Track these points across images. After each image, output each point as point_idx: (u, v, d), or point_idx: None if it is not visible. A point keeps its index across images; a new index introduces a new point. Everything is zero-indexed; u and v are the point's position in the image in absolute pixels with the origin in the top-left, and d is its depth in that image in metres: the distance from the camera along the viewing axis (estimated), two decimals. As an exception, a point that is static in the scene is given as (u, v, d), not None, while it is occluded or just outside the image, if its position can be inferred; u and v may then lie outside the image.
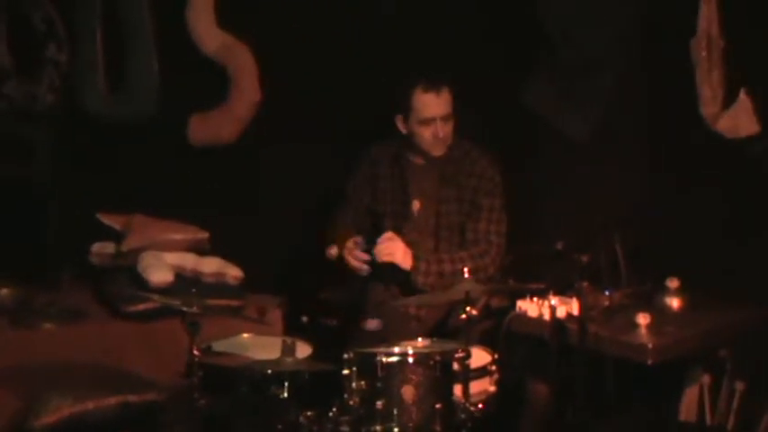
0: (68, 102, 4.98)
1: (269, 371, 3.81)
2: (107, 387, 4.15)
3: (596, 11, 4.52)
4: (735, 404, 4.13)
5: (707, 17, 4.39)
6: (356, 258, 4.27)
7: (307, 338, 4.11)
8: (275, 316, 4.62)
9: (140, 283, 4.54)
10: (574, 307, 3.89)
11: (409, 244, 4.34)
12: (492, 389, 3.84)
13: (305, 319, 4.59)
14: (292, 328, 4.51)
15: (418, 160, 4.42)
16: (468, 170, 4.38)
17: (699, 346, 4.04)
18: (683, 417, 4.29)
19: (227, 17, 4.85)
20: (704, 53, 4.39)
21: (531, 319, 3.99)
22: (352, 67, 4.78)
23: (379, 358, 3.68)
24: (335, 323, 4.61)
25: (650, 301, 4.07)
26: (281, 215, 4.87)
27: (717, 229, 4.36)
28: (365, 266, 4.27)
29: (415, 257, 4.24)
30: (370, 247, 4.27)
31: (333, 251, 4.31)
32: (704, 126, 4.42)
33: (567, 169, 4.55)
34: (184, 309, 3.79)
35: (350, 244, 4.31)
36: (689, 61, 4.41)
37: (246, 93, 4.90)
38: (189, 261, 4.69)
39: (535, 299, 4.00)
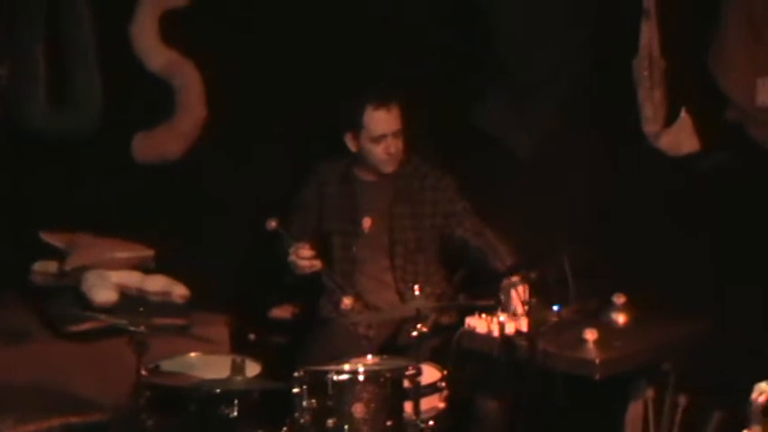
0: (9, 117, 4.87)
1: (218, 390, 3.76)
2: (50, 409, 4.10)
3: (544, 32, 4.54)
4: (678, 417, 4.14)
5: (648, 38, 4.46)
6: (302, 257, 4.19)
7: (255, 356, 4.04)
8: (223, 334, 4.55)
9: (84, 303, 4.48)
10: (522, 323, 3.86)
11: (361, 261, 4.35)
12: (442, 405, 3.83)
13: (252, 336, 4.54)
14: (240, 346, 4.46)
15: (369, 177, 4.40)
16: (420, 185, 4.38)
17: (644, 361, 4.07)
18: (628, 430, 4.26)
19: (172, 33, 4.80)
20: (646, 73, 4.45)
21: (480, 335, 3.95)
22: (301, 85, 4.75)
23: (329, 376, 3.66)
24: (284, 341, 4.56)
25: (597, 316, 4.07)
26: (227, 233, 4.83)
27: (661, 246, 4.39)
28: (316, 263, 4.19)
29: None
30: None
31: (273, 223, 4.18)
32: (647, 144, 4.46)
33: (516, 187, 4.55)
34: (131, 328, 3.74)
35: (296, 247, 4.22)
36: (632, 81, 4.46)
37: (192, 109, 4.85)
38: (134, 280, 4.63)
39: (484, 315, 3.96)
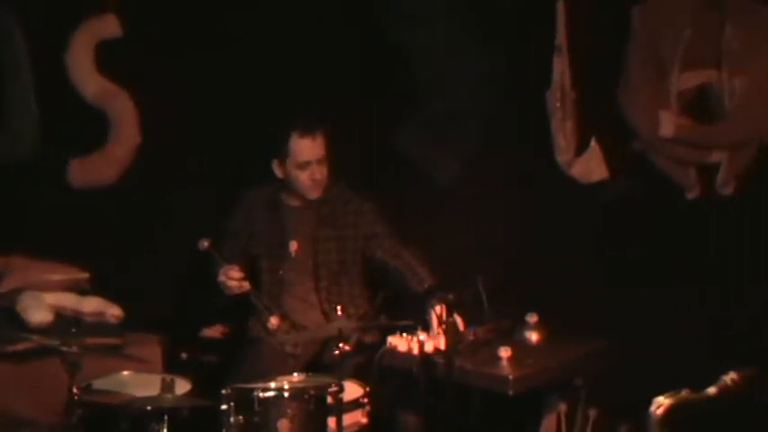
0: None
1: (149, 407, 3.77)
2: (-15, 427, 4.09)
3: (457, 65, 4.65)
4: (589, 430, 4.24)
5: (560, 72, 4.60)
6: (232, 278, 4.25)
7: (186, 375, 4.05)
8: (155, 353, 4.54)
9: (19, 324, 4.43)
10: (441, 342, 3.92)
11: (288, 283, 4.41)
12: (364, 420, 3.89)
13: (184, 355, 4.55)
14: (172, 365, 4.45)
15: (295, 202, 4.47)
16: (343, 209, 4.46)
17: (556, 376, 4.15)
18: None
19: (106, 63, 4.80)
20: (558, 104, 4.59)
21: (401, 353, 4.02)
22: (231, 113, 4.79)
23: (255, 393, 3.72)
24: (215, 359, 4.58)
25: (511, 335, 4.14)
26: (161, 255, 4.82)
27: (571, 269, 4.49)
28: (245, 284, 4.25)
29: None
30: None
31: (204, 243, 4.24)
32: (560, 171, 4.59)
33: (436, 212, 4.63)
34: (63, 348, 3.75)
35: (226, 269, 4.29)
36: (546, 112, 4.60)
37: (126, 136, 4.85)
38: (69, 301, 4.60)
39: (405, 334, 4.02)
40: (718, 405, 3.09)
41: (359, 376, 4.03)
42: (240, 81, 4.74)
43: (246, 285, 4.28)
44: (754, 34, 4.39)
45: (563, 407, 4.33)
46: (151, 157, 4.88)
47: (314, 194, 4.40)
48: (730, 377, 3.06)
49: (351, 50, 4.75)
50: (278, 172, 4.41)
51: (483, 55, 4.61)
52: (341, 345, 3.81)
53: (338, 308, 3.96)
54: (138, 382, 4.00)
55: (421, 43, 4.65)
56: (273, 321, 4.31)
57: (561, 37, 4.58)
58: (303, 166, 4.36)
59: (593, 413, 4.26)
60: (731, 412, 3.23)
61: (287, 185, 4.43)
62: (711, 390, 3.06)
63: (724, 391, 3.06)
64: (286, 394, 3.71)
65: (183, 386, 3.95)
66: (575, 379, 4.27)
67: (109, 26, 4.84)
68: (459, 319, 3.99)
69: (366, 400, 3.89)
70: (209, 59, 4.73)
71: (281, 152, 4.36)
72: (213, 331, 4.65)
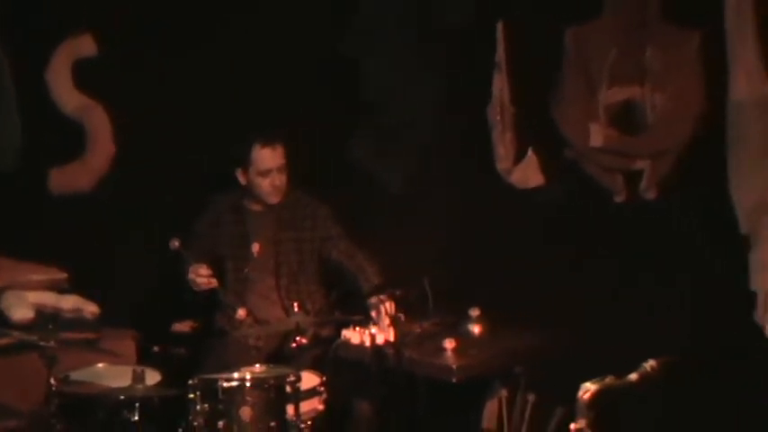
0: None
1: (122, 397, 3.80)
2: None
3: (404, 81, 4.67)
4: (527, 413, 4.26)
5: (499, 87, 4.64)
6: (200, 275, 4.26)
7: (157, 367, 4.06)
8: (129, 347, 4.53)
9: (2, 321, 4.42)
10: (390, 335, 3.95)
11: (251, 281, 4.43)
12: (321, 407, 3.91)
13: (156, 349, 4.53)
14: (145, 358, 4.44)
15: (257, 207, 4.50)
16: (301, 213, 4.49)
17: (497, 365, 4.20)
18: (485, 426, 4.39)
19: (83, 80, 4.80)
20: (498, 117, 4.63)
21: (354, 345, 4.07)
22: (199, 126, 4.77)
23: (219, 383, 3.74)
24: (184, 352, 4.56)
25: (455, 328, 4.17)
26: (134, 256, 4.81)
27: (511, 267, 4.51)
28: (213, 280, 4.26)
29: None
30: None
31: (175, 243, 4.23)
32: (500, 179, 4.63)
33: (386, 216, 4.65)
34: (41, 343, 3.77)
35: (195, 267, 4.30)
36: (486, 124, 4.64)
37: (102, 147, 4.86)
38: (49, 299, 4.58)
39: (358, 328, 4.06)
40: (639, 389, 3.15)
41: (316, 367, 4.06)
42: (206, 96, 4.73)
43: (214, 282, 4.30)
44: (673, 55, 4.45)
45: (504, 393, 4.36)
46: (125, 166, 4.87)
47: (274, 200, 4.43)
48: (650, 364, 3.15)
49: (308, 67, 4.74)
50: (241, 179, 4.44)
51: (429, 71, 4.63)
52: (298, 338, 3.87)
53: (295, 304, 4.00)
54: (112, 374, 4.00)
55: (372, 60, 4.66)
56: (241, 313, 4.31)
57: (500, 55, 4.63)
58: (264, 173, 4.39)
59: (531, 398, 4.28)
60: (651, 396, 3.29)
61: (250, 192, 4.45)
62: (633, 376, 3.15)
63: (644, 377, 3.14)
64: (248, 384, 3.73)
65: (153, 377, 3.97)
66: (514, 367, 4.31)
67: (85, 46, 4.86)
68: (388, 306, 3.99)
69: (322, 389, 3.92)
70: (178, 76, 4.73)
71: (245, 161, 4.39)
72: (183, 326, 4.63)
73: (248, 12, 4.69)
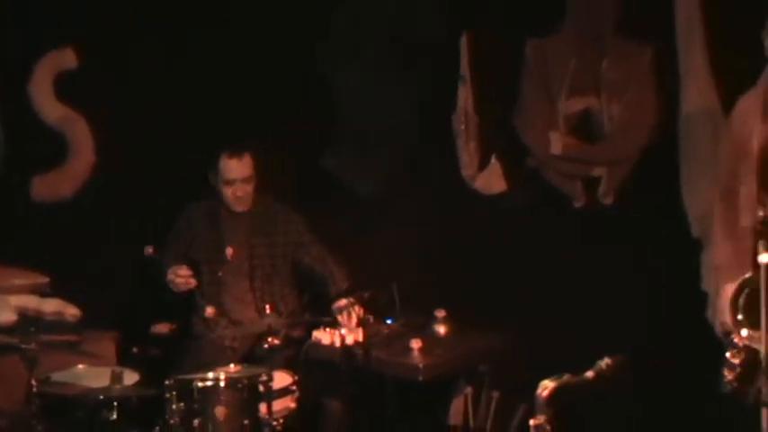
0: None
1: (101, 396, 3.80)
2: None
3: (380, 93, 4.66)
4: (492, 409, 4.32)
5: (464, 98, 4.68)
6: (180, 275, 4.27)
7: (136, 367, 4.06)
8: (110, 349, 4.52)
9: (-15, 324, 4.46)
10: (359, 335, 3.97)
11: (226, 284, 4.41)
12: (293, 406, 3.93)
13: (135, 350, 4.52)
14: (124, 359, 4.42)
15: (230, 212, 4.49)
16: (274, 219, 4.50)
17: (462, 364, 4.24)
18: (451, 422, 4.44)
19: (64, 91, 4.78)
20: (463, 127, 4.66)
21: (324, 346, 4.08)
22: (176, 136, 4.73)
23: (195, 383, 3.75)
24: (162, 353, 4.54)
25: (422, 329, 4.19)
26: (114, 261, 4.76)
27: (475, 269, 4.53)
28: (192, 281, 4.26)
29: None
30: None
31: (149, 249, 4.23)
32: (465, 185, 4.66)
33: (357, 222, 4.63)
34: (22, 346, 3.76)
35: (175, 267, 4.31)
36: (452, 133, 4.67)
37: (82, 155, 4.84)
38: (32, 302, 4.53)
39: (328, 329, 4.07)
40: (595, 386, 3.13)
41: (288, 367, 4.06)
42: (183, 107, 4.70)
43: (193, 282, 4.30)
44: (628, 67, 4.50)
45: (469, 390, 4.40)
46: (105, 174, 4.84)
47: (237, 208, 4.45)
48: (605, 362, 3.12)
49: (283, 79, 4.72)
50: (213, 182, 4.47)
51: (398, 83, 4.63)
52: (270, 339, 3.86)
53: (267, 306, 4.00)
54: (92, 375, 4.00)
55: (344, 73, 4.66)
56: (209, 311, 4.31)
57: (465, 68, 4.65)
58: (228, 183, 4.41)
59: (495, 395, 4.33)
60: (606, 392, 3.30)
61: (221, 198, 4.47)
62: (589, 373, 3.12)
63: (599, 375, 3.12)
64: (222, 384, 3.74)
65: (131, 377, 3.97)
66: (479, 366, 4.34)
67: (66, 59, 4.84)
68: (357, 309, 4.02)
69: (294, 388, 3.94)
70: (156, 88, 4.70)
71: (214, 170, 4.41)
72: (161, 328, 4.60)
73: (224, 25, 4.69)
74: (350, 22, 4.57)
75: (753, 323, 3.02)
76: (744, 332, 3.07)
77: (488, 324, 4.24)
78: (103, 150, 4.85)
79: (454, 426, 4.44)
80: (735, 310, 3.11)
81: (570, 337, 4.22)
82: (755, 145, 3.25)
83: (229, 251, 4.35)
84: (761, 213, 3.03)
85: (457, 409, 4.41)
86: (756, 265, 3.05)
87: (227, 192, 4.40)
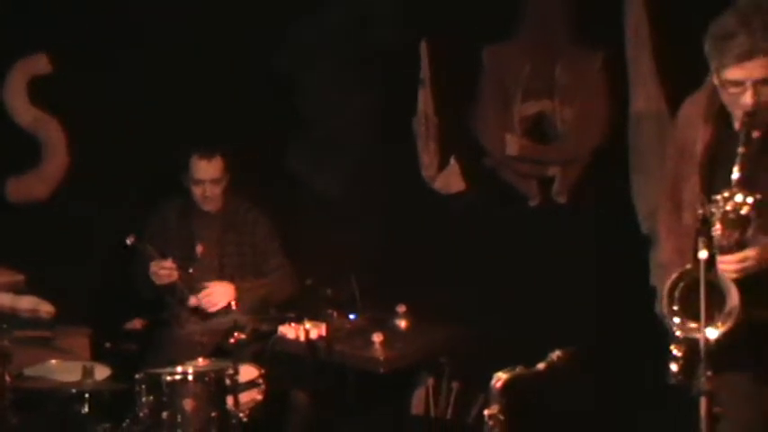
0: None
1: (73, 391, 3.80)
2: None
3: (342, 95, 4.63)
4: (452, 399, 4.36)
5: (424, 101, 4.71)
6: (162, 268, 4.26)
7: (108, 362, 4.07)
8: (83, 344, 4.50)
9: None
10: (323, 330, 3.96)
11: (196, 280, 4.38)
12: (260, 398, 3.92)
13: (108, 345, 4.44)
14: (98, 354, 4.40)
15: (202, 211, 4.49)
16: (243, 219, 4.50)
17: (423, 356, 4.22)
18: (414, 411, 4.47)
19: (38, 96, 4.74)
20: (423, 129, 4.69)
21: (290, 340, 4.06)
22: (149, 136, 4.71)
23: (163, 377, 3.75)
24: (135, 348, 4.47)
25: (384, 323, 4.17)
26: (88, 259, 4.75)
27: (435, 266, 4.57)
28: (175, 273, 4.26)
29: (237, 288, 4.33)
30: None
31: (131, 239, 4.23)
32: (425, 185, 4.69)
33: (320, 220, 4.63)
34: (-5, 342, 3.78)
35: (159, 260, 4.30)
36: (412, 135, 4.69)
37: (56, 158, 4.80)
38: (6, 300, 4.50)
39: (293, 324, 4.04)
40: (546, 377, 3.15)
41: (256, 360, 4.05)
42: (154, 110, 4.68)
43: (175, 275, 4.29)
44: (579, 73, 4.57)
45: (431, 381, 4.42)
46: (78, 176, 4.81)
47: (206, 207, 4.46)
48: (556, 354, 3.15)
49: (249, 84, 4.71)
50: (185, 182, 4.47)
51: (360, 86, 4.61)
52: (236, 334, 3.83)
53: (233, 303, 4.03)
54: (65, 370, 4.00)
55: (307, 76, 4.62)
56: (194, 301, 4.30)
57: (425, 72, 4.69)
58: (197, 183, 4.43)
59: (455, 386, 4.37)
60: (556, 383, 3.32)
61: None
62: (541, 365, 3.15)
63: (551, 366, 3.15)
64: (189, 377, 3.73)
65: (102, 372, 3.98)
66: (440, 358, 4.35)
67: (40, 65, 4.81)
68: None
69: (261, 381, 3.93)
70: (127, 92, 4.68)
71: (186, 169, 4.42)
72: (133, 324, 4.57)
73: (193, 32, 4.65)
74: (313, 28, 4.55)
75: (687, 314, 3.05)
76: (676, 320, 3.06)
77: (448, 318, 4.24)
78: (76, 152, 4.81)
79: (416, 415, 4.46)
80: (670, 301, 3.11)
81: (526, 330, 4.25)
82: (698, 146, 3.22)
83: (200, 248, 4.38)
84: (700, 212, 3.02)
85: (419, 399, 4.44)
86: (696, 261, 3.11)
87: (197, 191, 4.42)
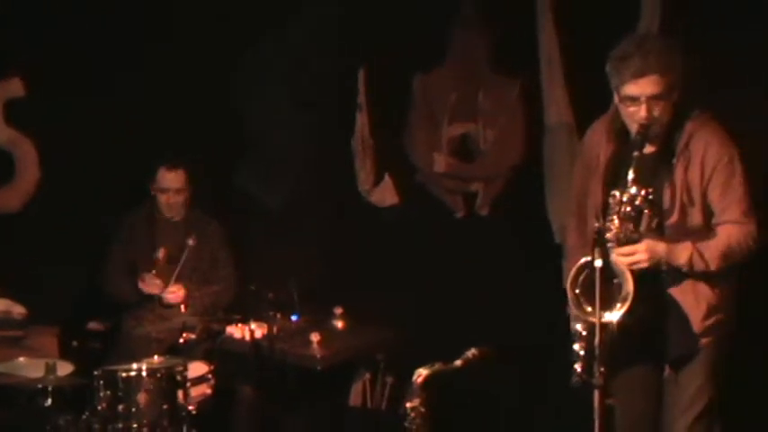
0: None
1: (38, 386, 3.82)
2: None
3: (287, 118, 4.69)
4: (387, 392, 4.37)
5: (361, 123, 4.74)
6: (150, 284, 4.32)
7: (72, 359, 4.08)
8: (52, 343, 4.47)
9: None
10: (266, 330, 4.00)
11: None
12: (209, 392, 3.98)
13: (75, 344, 4.48)
14: (65, 352, 4.39)
15: (165, 218, 4.52)
16: (201, 227, 4.52)
17: (358, 354, 4.29)
18: (352, 403, 4.50)
19: (12, 116, 4.76)
20: (360, 148, 4.73)
21: (237, 339, 4.11)
22: (116, 150, 4.71)
23: (119, 374, 3.77)
24: (98, 347, 4.53)
25: (322, 324, 4.22)
26: (57, 265, 4.68)
27: (371, 271, 4.58)
28: (160, 284, 4.30)
29: (188, 294, 4.36)
30: None
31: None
32: (362, 198, 4.73)
33: (265, 230, 4.67)
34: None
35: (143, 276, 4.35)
36: (351, 153, 4.71)
37: (29, 173, 4.82)
38: None
39: (240, 325, 4.09)
40: (463, 373, 3.16)
41: (206, 357, 4.09)
42: (119, 130, 4.70)
43: (158, 290, 4.32)
44: (500, 98, 4.63)
45: (368, 376, 4.45)
46: (49, 189, 4.82)
47: (168, 215, 4.50)
48: (472, 352, 3.19)
49: (204, 107, 4.71)
50: (152, 191, 4.51)
51: (303, 109, 4.65)
52: (185, 334, 3.93)
53: (182, 306, 4.05)
54: (31, 366, 3.99)
55: (255, 100, 4.67)
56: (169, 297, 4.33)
57: (362, 97, 4.72)
58: (163, 191, 4.48)
59: (390, 380, 4.38)
60: (472, 378, 3.34)
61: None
62: (458, 362, 3.18)
63: (467, 363, 3.19)
64: (143, 374, 3.76)
65: (65, 368, 3.98)
66: (377, 354, 4.38)
67: (14, 88, 4.81)
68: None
69: (210, 377, 3.97)
70: (94, 114, 4.67)
71: (153, 179, 4.47)
72: (97, 325, 4.56)
73: (153, 63, 4.67)
74: (261, 56, 4.58)
75: (588, 299, 3.06)
76: (577, 309, 3.07)
77: (382, 319, 4.28)
78: (47, 168, 4.81)
79: (354, 406, 4.49)
80: (573, 285, 3.14)
81: (451, 330, 4.25)
82: (602, 163, 3.30)
83: (161, 253, 4.40)
84: (596, 225, 3.12)
85: (357, 393, 4.47)
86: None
87: (162, 198, 4.48)
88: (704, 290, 3.20)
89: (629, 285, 3.07)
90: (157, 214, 4.53)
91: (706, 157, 3.17)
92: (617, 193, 3.12)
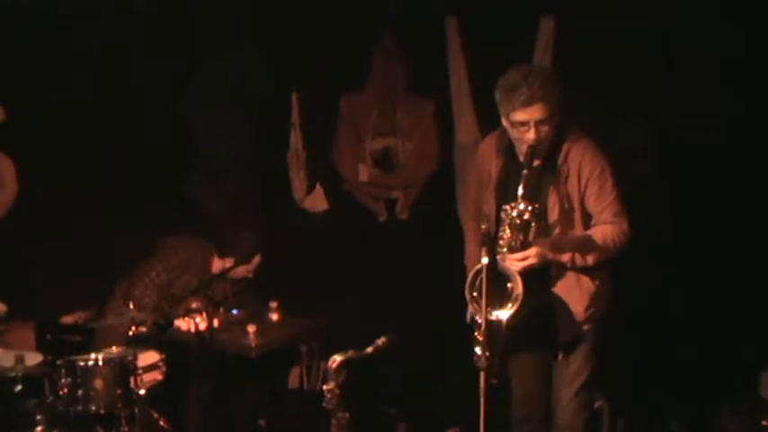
0: None
1: (11, 374, 3.97)
2: None
3: (230, 134, 4.86)
4: (320, 375, 4.53)
5: (295, 139, 4.93)
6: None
7: (41, 351, 4.21)
8: (30, 336, 4.61)
9: None
10: (209, 323, 4.13)
11: None
12: (160, 378, 4.13)
13: (49, 336, 4.58)
14: (41, 345, 4.48)
15: None
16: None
17: (291, 342, 4.43)
18: (290, 385, 4.69)
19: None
20: (294, 160, 4.92)
21: (183, 331, 4.27)
22: (84, 168, 4.80)
23: (78, 363, 3.96)
24: (78, 339, 4.56)
25: (259, 316, 4.38)
26: (36, 268, 4.85)
27: (303, 269, 4.72)
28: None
29: None
30: None
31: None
32: (297, 205, 4.91)
33: (210, 234, 4.59)
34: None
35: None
36: (286, 165, 4.89)
37: (7, 187, 4.92)
38: None
39: (186, 318, 4.23)
40: (373, 359, 3.32)
41: (158, 347, 4.20)
42: (84, 148, 4.78)
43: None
44: (416, 116, 4.82)
45: (305, 361, 4.62)
46: (27, 202, 4.91)
47: None
48: (381, 340, 3.35)
49: (153, 125, 4.82)
50: None
51: (243, 126, 4.81)
52: (134, 328, 4.01)
53: (131, 303, 4.12)
54: (6, 357, 4.11)
55: (202, 118, 4.83)
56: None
57: (295, 116, 4.91)
58: None
59: (323, 365, 4.46)
60: (381, 363, 3.41)
61: None
62: (369, 349, 3.34)
63: (376, 350, 3.34)
64: (99, 362, 3.95)
65: (34, 358, 4.14)
66: (311, 342, 4.55)
67: (-4, 115, 5.05)
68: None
69: (162, 364, 4.13)
70: (68, 129, 4.76)
71: None
72: (69, 318, 4.68)
73: (115, 81, 4.76)
74: (204, 79, 4.76)
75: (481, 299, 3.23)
76: (474, 306, 3.26)
77: (313, 311, 4.43)
78: (25, 183, 4.90)
79: (292, 388, 4.69)
80: (471, 288, 3.36)
81: (370, 319, 4.33)
82: (493, 178, 3.51)
83: None
84: (484, 227, 3.28)
85: (294, 376, 4.67)
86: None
87: None
88: (586, 283, 3.46)
89: (519, 288, 3.30)
90: None
91: (582, 168, 3.42)
92: (508, 208, 3.34)
